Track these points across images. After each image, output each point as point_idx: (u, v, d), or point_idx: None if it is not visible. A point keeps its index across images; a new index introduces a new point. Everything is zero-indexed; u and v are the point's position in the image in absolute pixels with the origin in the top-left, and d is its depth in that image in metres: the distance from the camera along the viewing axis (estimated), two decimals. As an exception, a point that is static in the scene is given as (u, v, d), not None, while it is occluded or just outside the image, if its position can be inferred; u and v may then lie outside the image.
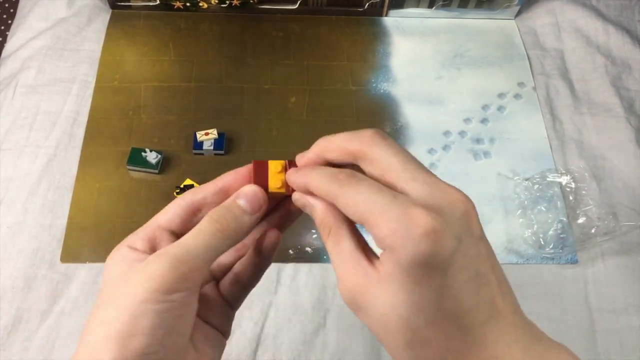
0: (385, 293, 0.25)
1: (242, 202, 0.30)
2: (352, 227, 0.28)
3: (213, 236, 0.28)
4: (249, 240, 0.34)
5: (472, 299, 0.24)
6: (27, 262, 0.57)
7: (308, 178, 0.29)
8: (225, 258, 0.34)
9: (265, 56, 0.73)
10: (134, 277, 0.26)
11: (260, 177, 0.31)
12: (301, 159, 0.31)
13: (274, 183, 0.30)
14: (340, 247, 0.28)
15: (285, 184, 0.30)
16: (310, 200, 0.29)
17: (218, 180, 0.32)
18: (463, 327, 0.24)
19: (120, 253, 0.29)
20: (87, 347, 0.26)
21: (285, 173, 0.30)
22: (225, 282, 0.33)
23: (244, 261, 0.33)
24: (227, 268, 0.34)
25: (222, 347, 0.31)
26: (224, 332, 0.32)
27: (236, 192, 0.30)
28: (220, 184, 0.31)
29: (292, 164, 0.30)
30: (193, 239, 0.28)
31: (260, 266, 0.33)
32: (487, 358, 0.24)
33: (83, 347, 0.26)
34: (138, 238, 0.30)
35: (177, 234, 0.30)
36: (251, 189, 0.30)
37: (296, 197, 0.30)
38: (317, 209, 0.29)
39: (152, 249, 0.29)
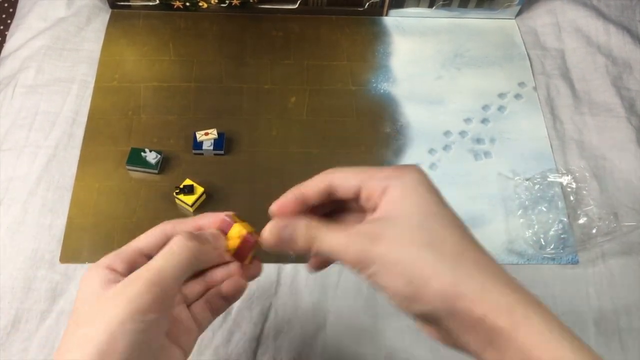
0: (398, 218, 0.30)
1: (207, 235, 0.34)
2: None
3: (183, 258, 0.31)
4: (221, 274, 0.37)
5: (463, 224, 0.31)
6: (26, 262, 0.56)
7: (301, 188, 0.34)
8: (197, 286, 0.37)
9: (265, 56, 0.73)
10: (112, 298, 0.29)
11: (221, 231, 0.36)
12: (278, 204, 0.34)
13: (229, 245, 0.35)
14: (328, 234, 0.32)
15: (235, 251, 0.36)
16: (296, 219, 0.33)
17: (198, 219, 0.35)
18: (468, 236, 0.30)
19: (97, 273, 0.31)
20: None
21: (241, 241, 0.35)
22: (197, 306, 0.37)
23: (215, 292, 0.37)
24: (200, 294, 0.38)
25: None
26: (187, 352, 0.35)
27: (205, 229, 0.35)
28: (200, 223, 0.35)
29: (250, 235, 0.35)
30: (164, 261, 0.30)
31: (229, 301, 0.37)
32: (495, 265, 0.30)
33: None
34: (118, 259, 0.32)
35: None
36: (216, 233, 0.35)
37: (278, 221, 0.33)
38: (305, 219, 0.33)
39: (131, 271, 0.31)
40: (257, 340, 0.54)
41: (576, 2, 0.78)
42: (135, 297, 0.28)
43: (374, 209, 0.32)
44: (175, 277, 0.30)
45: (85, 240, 0.58)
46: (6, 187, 0.61)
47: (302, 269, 0.58)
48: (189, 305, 0.37)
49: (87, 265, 0.57)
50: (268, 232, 0.33)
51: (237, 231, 0.35)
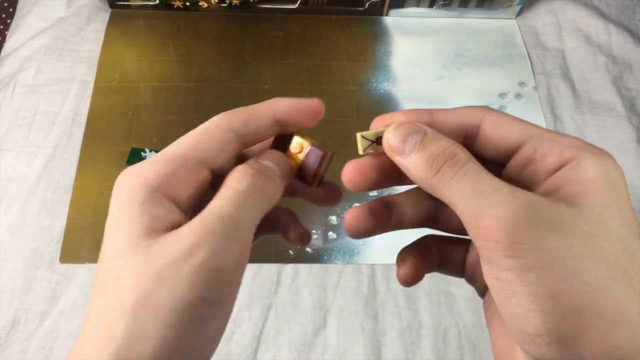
0: (593, 211, 0.20)
1: (271, 164, 0.25)
2: None
3: (260, 202, 0.23)
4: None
5: None
6: (26, 262, 0.56)
7: (434, 113, 0.24)
8: None
9: (265, 56, 0.73)
10: (177, 265, 0.20)
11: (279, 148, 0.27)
12: (388, 118, 0.24)
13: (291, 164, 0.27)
14: (481, 174, 0.21)
15: (297, 171, 0.27)
16: (425, 127, 0.23)
17: (271, 106, 0.25)
18: None
19: (140, 201, 0.22)
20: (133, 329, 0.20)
21: (306, 156, 0.26)
22: None
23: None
24: None
25: None
26: None
27: (261, 153, 0.25)
28: (276, 113, 0.25)
29: (318, 147, 0.26)
30: (237, 206, 0.22)
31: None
32: None
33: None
34: (180, 181, 0.22)
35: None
36: (279, 155, 0.25)
37: (404, 124, 0.23)
38: (441, 135, 0.23)
39: (195, 197, 0.23)
40: (257, 340, 0.54)
41: (576, 1, 0.78)
42: (200, 280, 0.20)
43: (536, 180, 0.22)
44: (250, 227, 0.22)
45: (85, 240, 0.58)
46: (5, 187, 0.60)
47: (302, 269, 0.58)
48: None
49: (87, 266, 0.57)
50: (392, 132, 0.23)
51: (299, 144, 0.26)
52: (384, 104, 0.70)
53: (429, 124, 0.23)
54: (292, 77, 0.71)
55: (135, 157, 0.62)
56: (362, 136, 0.24)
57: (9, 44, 0.73)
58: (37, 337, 0.53)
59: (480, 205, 0.20)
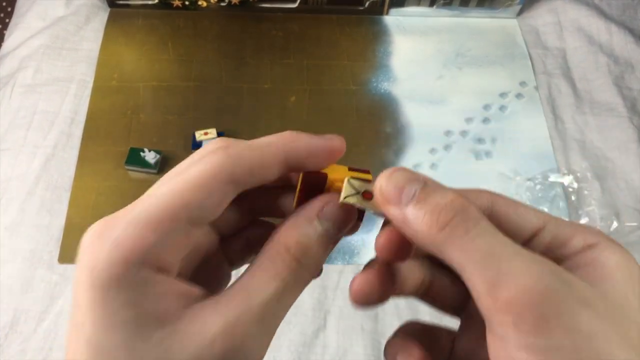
0: (611, 294, 0.18)
1: (329, 226, 0.21)
2: None
3: (305, 285, 0.20)
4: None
5: None
6: (24, 262, 0.56)
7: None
8: (236, 221, 0.24)
9: (265, 56, 0.72)
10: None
11: (312, 194, 0.21)
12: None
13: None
14: (498, 236, 0.18)
15: (297, 201, 0.22)
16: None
17: (281, 147, 0.21)
18: None
19: (138, 276, 0.18)
20: None
21: (302, 182, 0.22)
22: (236, 245, 0.25)
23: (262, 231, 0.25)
24: (237, 229, 0.25)
25: None
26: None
27: (318, 206, 0.21)
28: (288, 157, 0.21)
29: (314, 173, 0.22)
30: (281, 299, 0.20)
31: None
32: None
33: None
34: (167, 251, 0.19)
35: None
36: (346, 216, 0.21)
37: (400, 170, 0.20)
38: (444, 185, 0.20)
39: (189, 257, 0.20)
40: (257, 341, 0.54)
41: (578, 1, 0.78)
42: None
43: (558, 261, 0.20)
44: (282, 314, 0.21)
45: (84, 240, 0.58)
46: (4, 187, 0.60)
47: (302, 269, 0.58)
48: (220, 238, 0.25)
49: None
50: (387, 178, 0.19)
51: (341, 184, 0.21)
52: (384, 104, 0.69)
53: None
54: (292, 77, 0.71)
55: (134, 157, 0.62)
56: (350, 182, 0.21)
57: (7, 44, 0.73)
58: (35, 338, 0.53)
59: (500, 271, 0.17)
